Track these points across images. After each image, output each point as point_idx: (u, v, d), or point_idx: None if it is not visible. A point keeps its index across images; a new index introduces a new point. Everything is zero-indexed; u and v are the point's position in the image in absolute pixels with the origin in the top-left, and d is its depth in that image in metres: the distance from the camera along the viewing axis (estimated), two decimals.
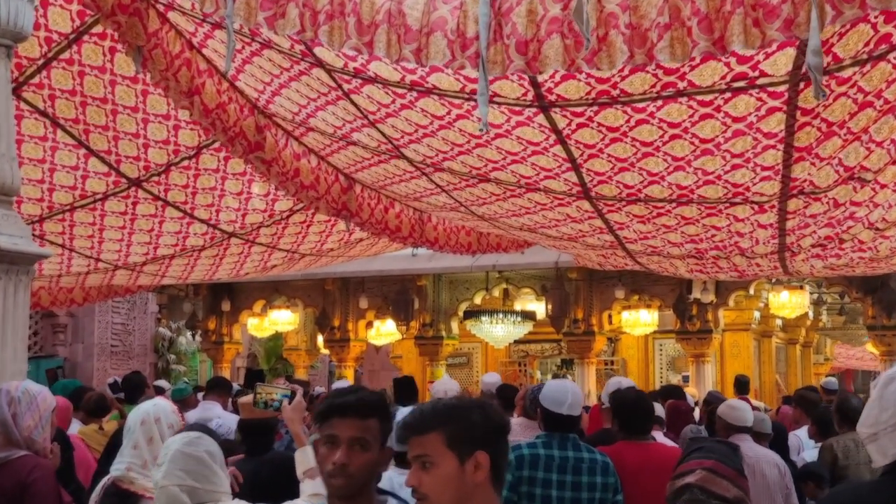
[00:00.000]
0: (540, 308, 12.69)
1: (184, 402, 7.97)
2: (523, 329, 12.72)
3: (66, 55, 4.46)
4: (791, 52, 2.80)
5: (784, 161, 3.72)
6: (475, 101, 3.30)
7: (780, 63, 2.88)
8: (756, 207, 4.54)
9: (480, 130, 3.37)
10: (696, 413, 7.67)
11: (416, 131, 3.96)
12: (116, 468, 3.14)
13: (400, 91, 3.47)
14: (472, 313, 12.65)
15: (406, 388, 7.37)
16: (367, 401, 2.22)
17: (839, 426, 5.55)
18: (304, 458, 2.74)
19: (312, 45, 3.23)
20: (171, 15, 3.75)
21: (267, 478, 3.84)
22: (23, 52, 4.38)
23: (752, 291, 11.90)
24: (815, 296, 13.95)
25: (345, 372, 13.34)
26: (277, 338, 16.64)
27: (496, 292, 13.05)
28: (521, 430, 5.38)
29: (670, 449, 4.50)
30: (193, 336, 15.64)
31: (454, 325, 13.13)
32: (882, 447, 2.03)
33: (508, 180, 4.57)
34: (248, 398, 3.01)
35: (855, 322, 15.35)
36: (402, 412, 4.03)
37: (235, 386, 8.68)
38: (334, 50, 2.84)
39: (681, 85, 3.11)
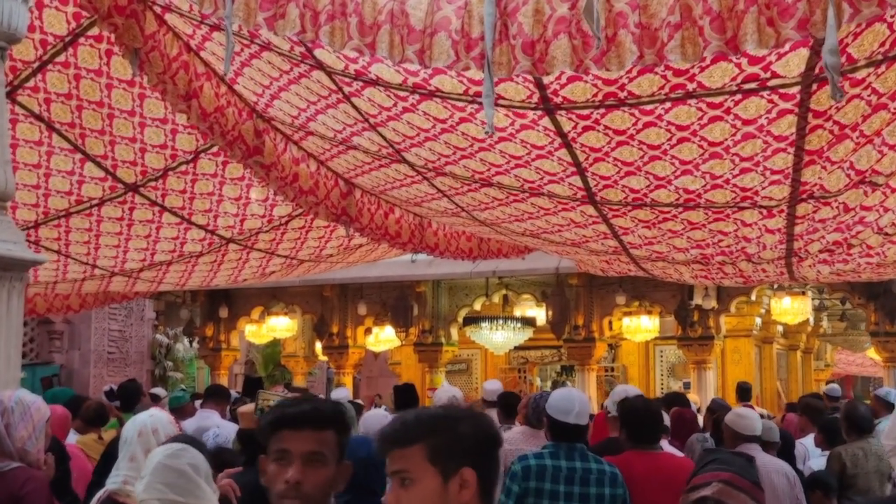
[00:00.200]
0: (540, 314, 12.62)
1: (181, 409, 7.89)
2: (523, 335, 12.65)
3: (61, 58, 4.39)
4: (804, 52, 2.74)
5: (794, 165, 3.66)
6: (479, 103, 3.24)
7: (793, 64, 2.82)
8: (764, 212, 4.48)
9: (486, 133, 3.31)
10: (700, 419, 7.62)
11: (417, 135, 3.91)
12: (113, 481, 3.07)
13: (402, 94, 3.41)
14: (472, 319, 12.59)
15: (406, 396, 7.28)
16: (322, 410, 2.03)
17: (847, 434, 5.49)
18: None
19: (313, 47, 3.17)
20: (169, 17, 3.70)
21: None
22: (17, 54, 4.32)
23: (753, 297, 11.84)
24: (817, 302, 13.88)
25: (343, 379, 13.26)
26: (275, 344, 16.56)
27: (496, 298, 12.97)
28: (523, 439, 5.33)
29: (679, 459, 4.44)
30: (191, 343, 15.57)
31: (454, 332, 13.05)
32: None
33: (511, 185, 4.51)
34: (248, 408, 2.95)
35: (856, 328, 15.28)
36: None
37: (233, 394, 8.57)
38: (335, 51, 2.78)
39: (690, 87, 3.05)
